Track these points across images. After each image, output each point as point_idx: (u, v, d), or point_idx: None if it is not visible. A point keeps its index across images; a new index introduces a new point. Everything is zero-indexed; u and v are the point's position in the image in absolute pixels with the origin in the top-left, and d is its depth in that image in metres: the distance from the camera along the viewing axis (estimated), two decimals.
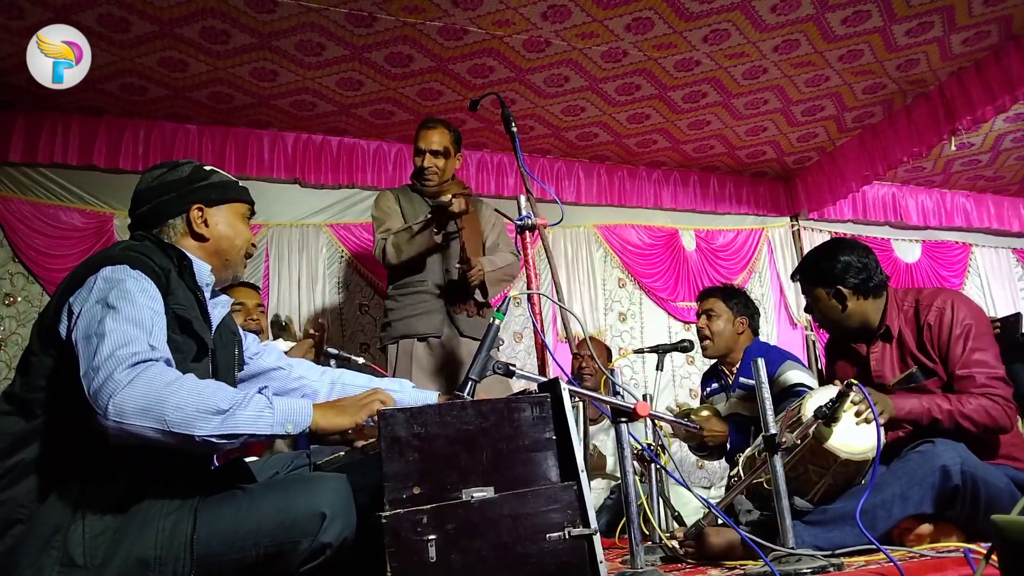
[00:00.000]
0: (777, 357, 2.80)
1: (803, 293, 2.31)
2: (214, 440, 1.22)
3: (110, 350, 1.19)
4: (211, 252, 1.55)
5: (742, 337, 2.90)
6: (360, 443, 1.54)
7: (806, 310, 2.35)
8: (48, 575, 1.19)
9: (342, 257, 4.33)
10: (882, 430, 1.78)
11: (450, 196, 2.64)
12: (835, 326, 2.27)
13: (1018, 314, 2.46)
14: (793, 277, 2.39)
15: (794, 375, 2.70)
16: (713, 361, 3.05)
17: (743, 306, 2.94)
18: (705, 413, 2.73)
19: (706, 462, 3.06)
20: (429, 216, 2.73)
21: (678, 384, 4.97)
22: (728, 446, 2.73)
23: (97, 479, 1.26)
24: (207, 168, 1.59)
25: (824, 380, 2.46)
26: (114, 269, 1.32)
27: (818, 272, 2.22)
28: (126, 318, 1.24)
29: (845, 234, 5.32)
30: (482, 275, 2.81)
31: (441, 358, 2.84)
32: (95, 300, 1.28)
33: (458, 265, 2.78)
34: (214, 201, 1.55)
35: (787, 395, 2.61)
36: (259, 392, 1.32)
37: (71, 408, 1.25)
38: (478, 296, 2.92)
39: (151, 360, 1.22)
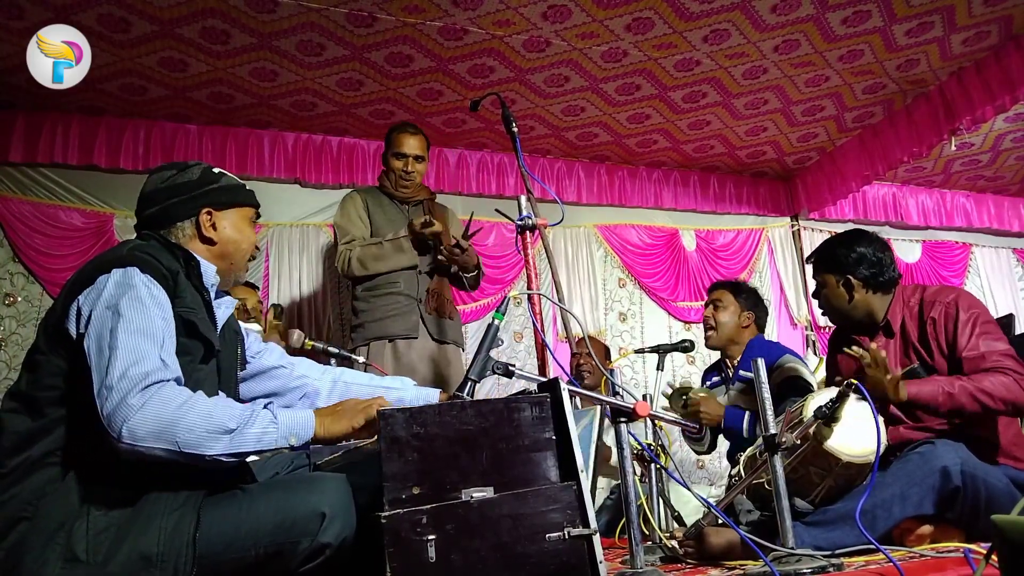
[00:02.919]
0: (778, 353, 2.81)
1: (814, 276, 2.32)
2: (223, 459, 1.25)
3: (123, 369, 1.21)
4: (218, 255, 1.56)
5: (746, 331, 2.91)
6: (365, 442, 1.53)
7: (813, 295, 2.36)
8: (51, 571, 1.20)
9: None
10: (883, 432, 1.78)
11: (428, 218, 2.76)
12: (838, 315, 2.27)
13: (1011, 315, 2.46)
14: (808, 259, 2.40)
15: (794, 366, 2.71)
16: (716, 355, 3.06)
17: (751, 301, 2.95)
18: (703, 394, 2.74)
19: (700, 452, 3.07)
20: (401, 235, 2.84)
21: (678, 384, 4.96)
22: (724, 430, 2.74)
23: (102, 476, 1.26)
24: (216, 171, 1.60)
25: (828, 374, 2.47)
26: (125, 272, 1.32)
27: (833, 258, 2.23)
28: (137, 329, 1.26)
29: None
30: (475, 259, 2.89)
31: (413, 360, 2.84)
32: (105, 305, 1.28)
33: (448, 248, 2.82)
34: (223, 205, 1.56)
35: (786, 386, 2.62)
36: (265, 407, 1.33)
37: (79, 407, 1.26)
38: (466, 283, 2.98)
39: (162, 381, 1.23)
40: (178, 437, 1.20)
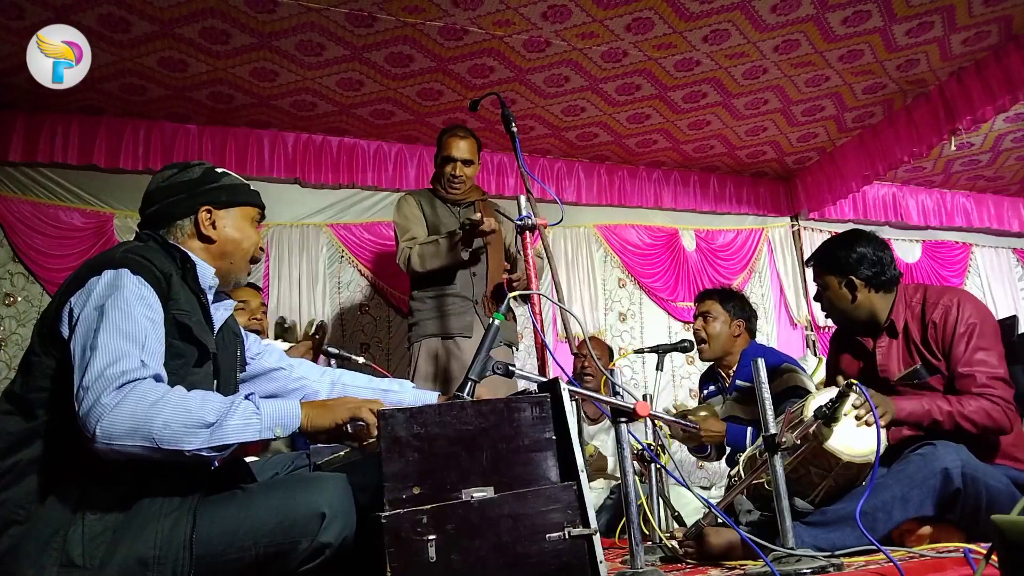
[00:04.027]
0: (775, 360, 2.80)
1: (815, 279, 2.32)
2: (204, 453, 1.23)
3: (100, 369, 1.20)
4: (217, 255, 1.55)
5: (739, 339, 2.90)
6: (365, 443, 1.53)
7: (815, 298, 2.35)
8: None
9: (342, 257, 4.33)
10: (883, 432, 1.78)
11: (480, 215, 2.67)
12: (842, 316, 2.27)
13: (1014, 316, 2.46)
14: (808, 263, 2.40)
15: (793, 375, 2.70)
16: (710, 363, 3.05)
17: (740, 308, 2.94)
18: (703, 413, 2.74)
19: (706, 462, 3.06)
20: (458, 232, 2.77)
21: (678, 384, 4.97)
22: (726, 447, 2.74)
23: (97, 480, 1.26)
24: (218, 170, 1.59)
25: (828, 373, 2.47)
26: (116, 274, 1.31)
27: (833, 260, 2.23)
28: (119, 330, 1.24)
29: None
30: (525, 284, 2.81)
31: (465, 358, 2.84)
32: (93, 306, 1.28)
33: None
34: (223, 204, 1.55)
35: (785, 396, 2.61)
36: (247, 398, 1.32)
37: (69, 409, 1.25)
38: (513, 304, 2.94)
39: (138, 379, 1.22)
40: (155, 433, 1.18)
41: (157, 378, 1.26)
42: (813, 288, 2.37)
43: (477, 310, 2.88)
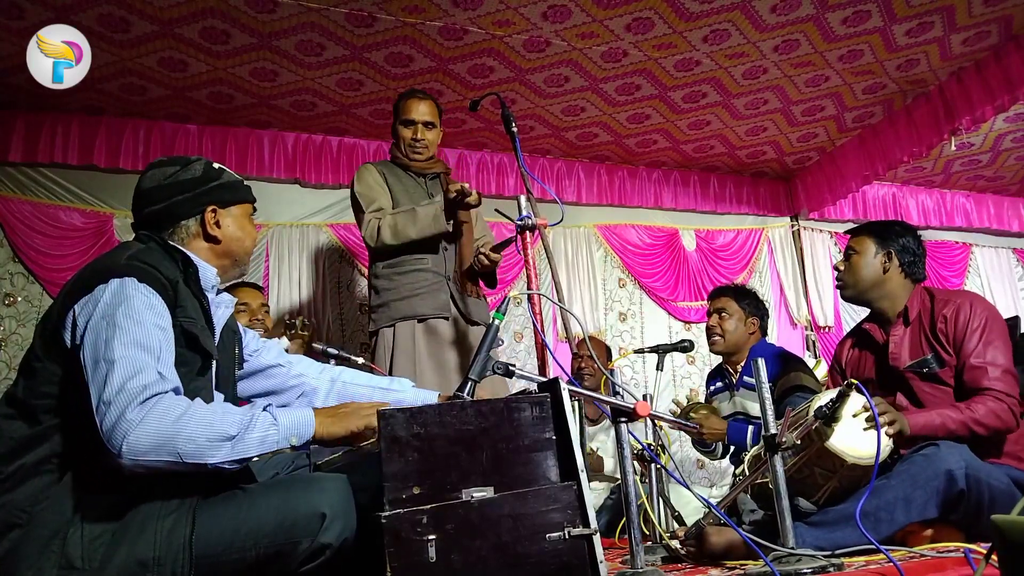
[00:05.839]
0: (783, 358, 2.82)
1: (850, 242, 2.35)
2: (226, 466, 1.25)
3: (120, 382, 1.20)
4: (221, 253, 1.54)
5: (752, 337, 2.92)
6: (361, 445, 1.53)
7: (839, 263, 2.37)
8: None
9: (342, 257, 4.33)
10: (884, 433, 1.78)
11: (468, 185, 2.45)
12: (859, 287, 2.29)
13: (1016, 317, 2.46)
14: (848, 231, 2.44)
15: (800, 374, 2.71)
16: (718, 360, 3.06)
17: (754, 307, 2.96)
18: (704, 411, 2.75)
19: (709, 460, 3.08)
20: (439, 202, 2.55)
21: (678, 384, 4.97)
22: (729, 445, 2.75)
23: (97, 483, 1.26)
24: (216, 166, 1.58)
25: (836, 372, 2.48)
26: (122, 282, 1.30)
27: (883, 230, 2.30)
28: (133, 341, 1.24)
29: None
30: (495, 265, 2.65)
31: (447, 342, 2.59)
32: (101, 315, 1.27)
33: (482, 258, 2.58)
34: (227, 202, 1.55)
35: (791, 394, 2.62)
36: (264, 410, 1.32)
37: (74, 415, 1.25)
38: (484, 284, 2.79)
39: (159, 393, 1.22)
40: (179, 448, 1.19)
41: (176, 391, 1.26)
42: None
43: (451, 287, 2.61)
